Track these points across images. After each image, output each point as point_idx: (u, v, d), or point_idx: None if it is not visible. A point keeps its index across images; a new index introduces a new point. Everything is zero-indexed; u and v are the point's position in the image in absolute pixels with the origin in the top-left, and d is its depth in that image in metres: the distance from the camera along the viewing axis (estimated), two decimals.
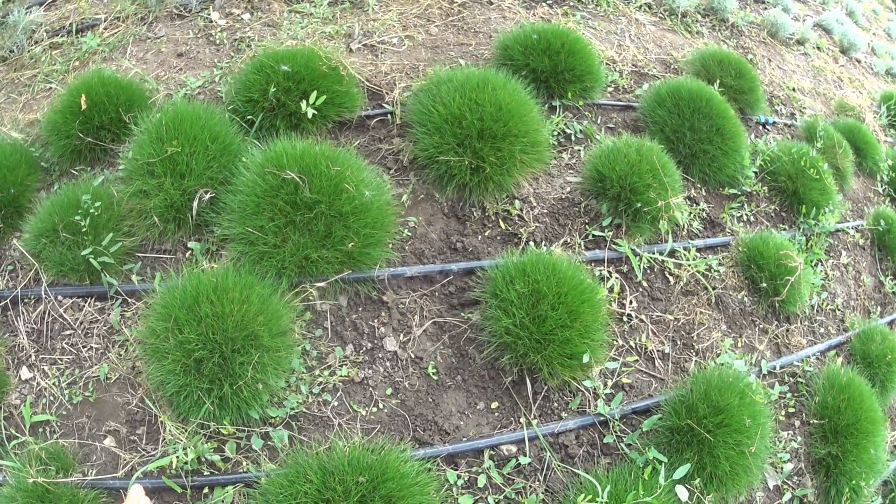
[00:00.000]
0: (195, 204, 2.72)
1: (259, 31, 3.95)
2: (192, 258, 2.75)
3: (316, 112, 3.02)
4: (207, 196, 2.74)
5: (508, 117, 3.00)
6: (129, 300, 2.69)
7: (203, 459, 2.34)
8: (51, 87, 3.79)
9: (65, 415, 2.51)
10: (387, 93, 3.42)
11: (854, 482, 3.02)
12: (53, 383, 2.56)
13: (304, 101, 2.98)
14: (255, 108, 3.10)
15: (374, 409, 2.57)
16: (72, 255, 2.67)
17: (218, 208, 2.73)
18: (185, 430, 2.35)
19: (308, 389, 2.54)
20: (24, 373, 2.62)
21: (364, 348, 2.69)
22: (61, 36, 4.14)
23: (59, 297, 2.72)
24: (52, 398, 2.54)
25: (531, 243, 2.97)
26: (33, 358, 2.64)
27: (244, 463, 2.37)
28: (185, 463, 2.29)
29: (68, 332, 2.67)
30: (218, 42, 3.90)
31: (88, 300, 2.72)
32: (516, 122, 3.02)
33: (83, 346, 2.63)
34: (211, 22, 4.06)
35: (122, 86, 3.25)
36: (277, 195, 2.61)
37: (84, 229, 2.67)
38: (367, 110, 3.33)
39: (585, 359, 2.59)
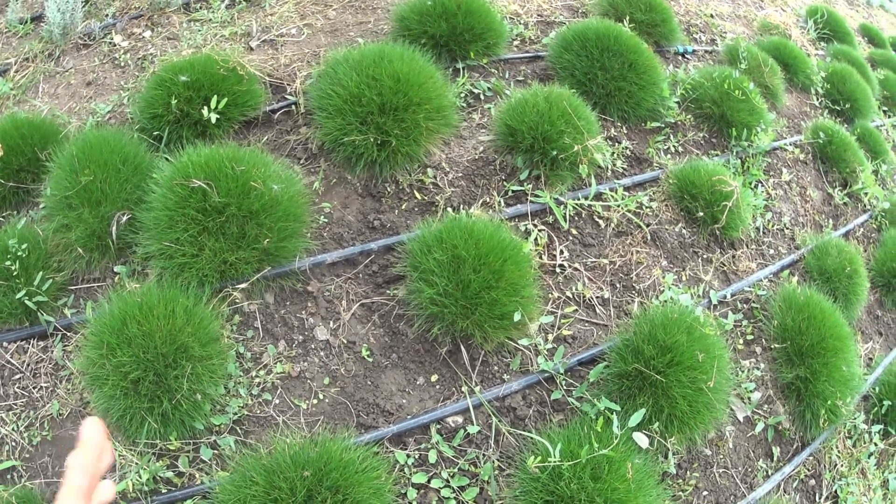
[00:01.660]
0: (114, 228, 2.68)
1: (160, 46, 3.88)
2: (120, 282, 2.70)
3: (220, 116, 2.96)
4: (125, 218, 2.70)
5: (408, 87, 2.89)
6: (68, 334, 2.65)
7: (158, 478, 2.29)
8: None
9: (28, 457, 2.46)
10: (289, 84, 3.32)
11: (829, 402, 2.90)
12: (13, 428, 2.51)
13: (206, 108, 2.92)
14: (161, 123, 3.04)
15: (315, 401, 2.50)
16: (8, 300, 2.63)
17: (136, 228, 2.68)
18: (135, 452, 2.31)
19: (247, 392, 2.48)
20: None
21: (296, 342, 2.61)
22: None
23: (4, 343, 2.68)
24: (14, 443, 2.50)
25: (448, 209, 2.85)
26: None
27: (197, 475, 2.31)
28: (142, 484, 2.26)
29: (18, 376, 2.62)
30: (123, 64, 3.84)
31: (31, 341, 2.68)
32: (416, 90, 2.91)
33: (34, 388, 2.60)
34: (115, 45, 3.99)
35: (34, 125, 3.22)
36: (188, 205, 2.54)
37: (16, 273, 2.64)
38: (272, 105, 3.25)
39: (517, 317, 2.47)
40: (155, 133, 3.05)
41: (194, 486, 2.29)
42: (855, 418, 3.17)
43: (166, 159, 2.84)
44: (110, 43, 4.00)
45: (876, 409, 3.32)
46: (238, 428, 2.41)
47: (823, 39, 5.34)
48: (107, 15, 4.16)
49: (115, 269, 2.74)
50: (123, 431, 2.33)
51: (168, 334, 2.32)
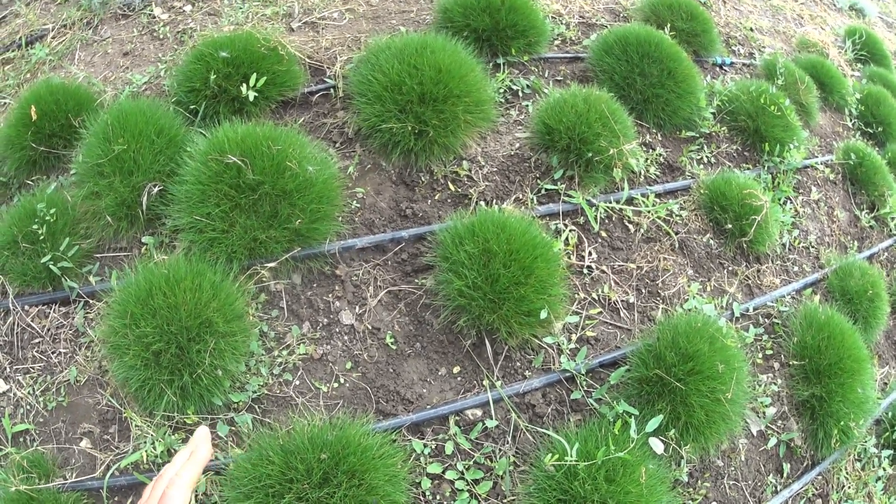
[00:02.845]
0: (144, 199, 2.70)
1: (201, 21, 3.90)
2: (147, 253, 2.72)
3: (258, 94, 2.96)
4: (156, 189, 2.72)
5: (448, 79, 2.91)
6: (91, 301, 2.68)
7: (173, 451, 2.31)
8: (5, 103, 3.77)
9: (42, 422, 2.50)
10: (328, 67, 3.34)
11: (843, 423, 2.91)
12: (28, 392, 2.55)
13: (245, 85, 2.92)
14: (198, 97, 3.06)
15: (336, 385, 2.51)
16: (33, 264, 2.68)
17: (167, 200, 2.69)
18: (152, 424, 2.34)
19: (268, 371, 2.49)
20: (1, 385, 2.61)
21: (321, 324, 2.62)
22: (12, 51, 4.14)
23: (26, 307, 2.72)
24: (28, 407, 2.53)
25: (481, 203, 2.87)
26: (8, 370, 2.64)
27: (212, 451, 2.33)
28: (156, 456, 2.29)
29: (37, 340, 2.66)
30: (161, 37, 3.86)
31: (53, 306, 2.71)
32: (457, 82, 2.92)
33: (52, 353, 2.63)
34: (154, 17, 4.02)
35: (69, 92, 3.25)
36: (221, 180, 2.56)
37: (42, 237, 2.69)
38: (310, 87, 3.26)
39: (543, 314, 2.49)
40: (191, 107, 3.07)
41: (208, 462, 2.31)
42: (866, 441, 3.18)
43: (202, 133, 2.86)
44: (150, 15, 4.03)
45: (887, 433, 3.32)
46: (256, 406, 2.43)
47: (860, 61, 5.31)
48: None
49: (142, 240, 2.76)
50: (141, 402, 2.36)
51: (193, 308, 2.33)
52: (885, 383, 3.54)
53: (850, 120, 4.58)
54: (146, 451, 2.29)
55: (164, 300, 2.32)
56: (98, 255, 2.78)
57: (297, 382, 2.50)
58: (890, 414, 3.34)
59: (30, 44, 4.10)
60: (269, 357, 2.53)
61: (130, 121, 2.83)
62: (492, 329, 2.54)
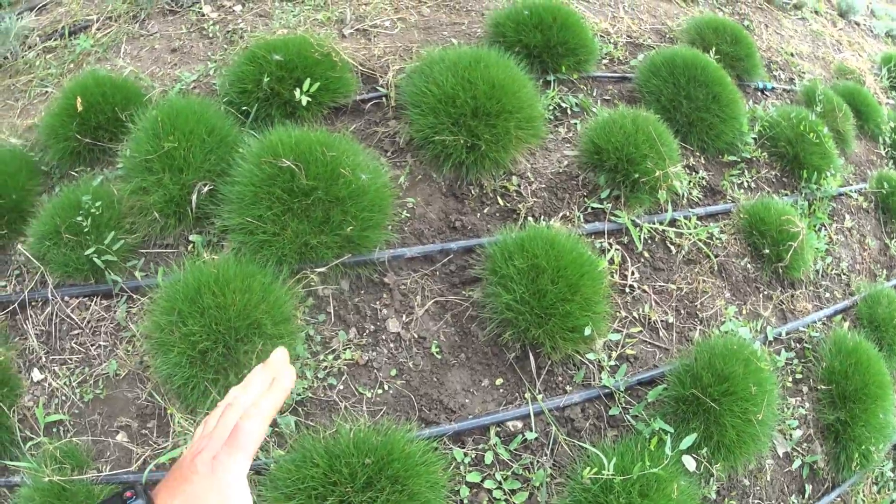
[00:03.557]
0: (194, 197, 2.72)
1: (251, 22, 3.95)
2: (195, 251, 2.75)
3: (310, 99, 3.02)
4: (206, 189, 2.74)
5: (502, 94, 2.98)
6: (134, 296, 2.70)
7: None
8: (47, 91, 3.80)
9: (77, 413, 2.52)
10: (380, 76, 3.41)
11: (864, 447, 3.00)
12: (64, 383, 2.58)
13: (298, 89, 2.98)
14: (250, 99, 3.09)
15: (380, 391, 2.57)
16: (75, 255, 2.68)
17: (217, 200, 2.72)
18: (194, 421, 2.37)
19: (313, 374, 2.54)
20: (36, 374, 2.63)
21: (367, 331, 2.68)
22: (54, 39, 4.15)
23: (66, 298, 2.74)
24: (63, 398, 2.56)
25: (530, 218, 2.96)
26: (44, 359, 2.66)
27: None
28: None
29: (76, 332, 2.68)
30: (211, 35, 3.90)
31: (94, 299, 2.73)
32: (510, 98, 3.00)
33: (91, 345, 2.65)
34: (203, 15, 4.06)
35: (116, 85, 3.25)
36: (274, 184, 2.60)
37: (86, 229, 2.68)
38: (362, 94, 3.33)
39: (587, 331, 2.58)
40: (243, 108, 3.10)
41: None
42: (883, 465, 3.25)
43: (254, 135, 2.89)
44: (198, 12, 4.06)
45: None
46: (300, 409, 2.47)
47: (895, 88, 5.36)
48: None
49: (189, 238, 2.78)
50: (184, 399, 2.38)
51: (243, 309, 2.35)
52: None
53: (884, 149, 4.64)
54: (187, 447, 2.33)
55: (214, 299, 2.34)
56: (143, 251, 2.80)
57: (342, 387, 2.55)
58: None
59: (73, 34, 4.11)
60: (315, 361, 2.56)
61: (181, 118, 2.84)
62: (536, 343, 2.62)
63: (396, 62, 3.48)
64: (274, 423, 2.43)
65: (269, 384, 1.07)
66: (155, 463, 2.35)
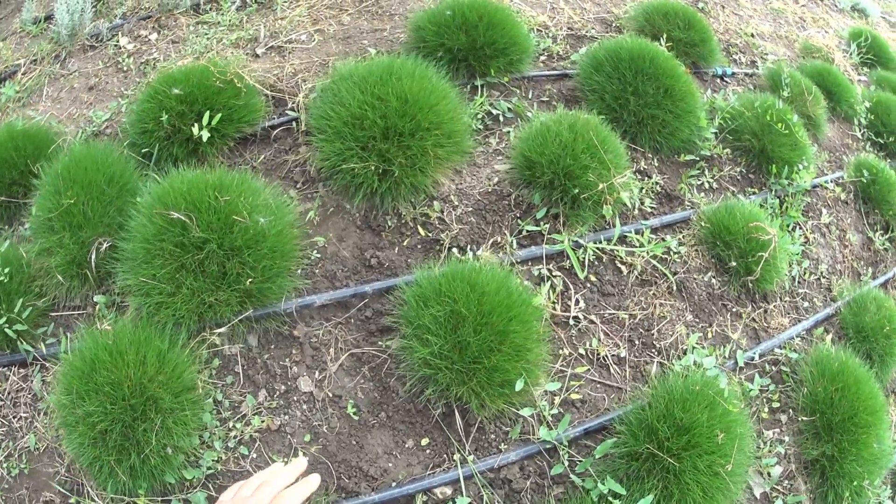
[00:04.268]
0: (93, 256, 2.49)
1: (164, 51, 3.65)
2: (100, 313, 2.51)
3: (214, 133, 2.73)
4: (105, 246, 2.51)
5: (416, 110, 2.62)
6: (47, 364, 2.48)
7: None
8: None
9: (6, 488, 2.34)
10: (291, 98, 3.06)
11: (855, 483, 2.63)
12: None
13: (197, 125, 2.68)
14: (152, 139, 2.81)
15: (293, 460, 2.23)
16: None
17: (117, 257, 2.46)
18: (105, 500, 2.19)
19: (223, 445, 2.26)
20: None
21: (278, 392, 2.37)
22: None
23: None
24: None
25: (454, 249, 2.58)
26: None
27: None
28: None
29: (0, 404, 2.48)
30: (125, 69, 3.63)
31: (13, 369, 2.53)
32: (426, 113, 2.63)
33: (13, 417, 2.46)
34: (120, 48, 3.79)
35: (29, 136, 3.08)
36: (165, 238, 2.31)
37: None
38: (273, 119, 2.98)
39: (519, 386, 2.21)
40: (144, 150, 2.83)
41: None
42: (880, 494, 2.88)
43: (156, 180, 2.62)
44: (116, 45, 3.80)
45: None
46: (211, 483, 2.21)
47: (866, 64, 4.99)
48: (116, 15, 3.97)
49: (95, 299, 2.54)
50: (95, 478, 2.18)
51: (137, 384, 2.13)
52: None
53: (860, 130, 4.27)
54: None
55: (107, 376, 2.13)
56: (54, 314, 2.59)
57: (255, 455, 2.27)
58: None
59: (2, 81, 3.90)
60: (224, 429, 2.29)
61: (81, 169, 2.63)
62: (462, 401, 2.25)
63: (310, 80, 3.12)
64: (186, 502, 2.20)
65: (296, 475, 1.32)
66: None
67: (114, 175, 2.65)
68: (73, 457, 2.23)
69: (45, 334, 2.53)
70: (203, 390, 2.29)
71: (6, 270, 2.53)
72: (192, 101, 2.80)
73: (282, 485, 1.26)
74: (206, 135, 2.68)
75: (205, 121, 2.68)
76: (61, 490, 2.29)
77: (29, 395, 2.46)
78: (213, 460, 2.23)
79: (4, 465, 2.35)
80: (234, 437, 2.28)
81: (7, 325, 2.45)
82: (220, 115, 2.72)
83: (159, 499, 2.16)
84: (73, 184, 2.58)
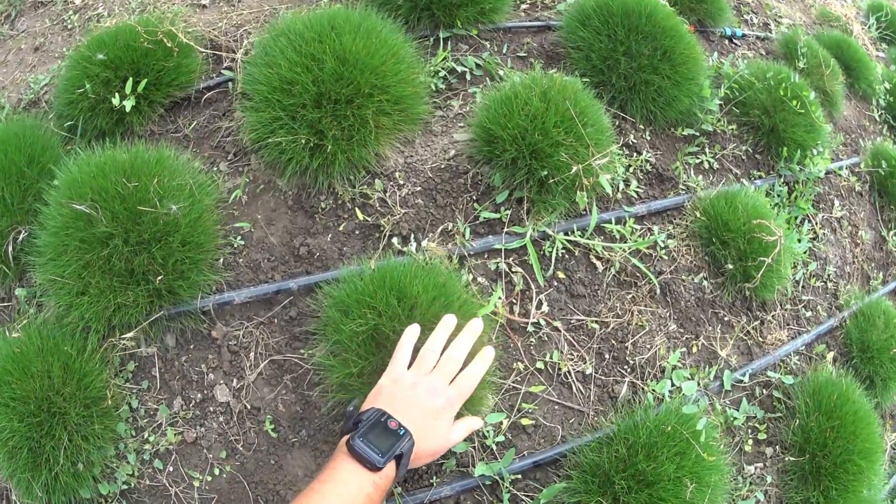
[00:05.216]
0: (10, 248, 2.27)
1: (110, 4, 3.22)
2: (20, 309, 2.27)
3: (142, 100, 2.39)
4: (22, 236, 2.28)
5: (356, 72, 2.16)
6: None
7: None
8: None
9: None
10: (229, 55, 2.61)
11: None
12: None
13: (117, 94, 2.35)
14: (76, 111, 2.47)
15: (209, 477, 1.98)
16: None
17: (33, 248, 2.18)
18: None
19: (137, 458, 2.02)
20: None
21: (194, 401, 2.06)
22: None
23: None
24: None
25: (396, 238, 2.15)
26: None
27: None
28: None
29: None
30: (70, 26, 3.26)
31: None
32: (368, 75, 2.18)
33: None
34: (67, 3, 3.43)
35: None
36: (71, 232, 2.02)
37: None
38: (209, 80, 2.54)
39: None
40: (69, 123, 2.50)
41: None
42: None
43: (82, 156, 2.28)
44: (65, 0, 3.44)
45: None
46: (125, 499, 2.01)
47: (885, 40, 4.50)
48: None
49: (16, 292, 2.30)
50: (17, 490, 2.05)
51: (44, 399, 1.96)
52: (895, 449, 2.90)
53: (878, 112, 3.80)
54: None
55: (11, 391, 1.97)
56: None
57: (171, 469, 2.01)
58: None
59: None
60: (139, 440, 2.03)
61: (1, 149, 2.37)
62: None
63: (254, 32, 2.66)
64: None
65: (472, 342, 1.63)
66: None
67: (34, 154, 2.39)
68: None
69: None
70: (116, 398, 2.06)
71: None
72: (118, 66, 2.44)
73: (462, 357, 1.50)
74: (129, 104, 2.35)
75: (127, 89, 2.36)
76: None
77: None
78: (127, 474, 2.02)
79: None
80: (149, 449, 2.03)
81: None
82: (146, 80, 2.38)
83: None
84: None
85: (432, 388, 1.54)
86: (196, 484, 1.97)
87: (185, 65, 2.54)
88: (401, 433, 1.44)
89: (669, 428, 1.88)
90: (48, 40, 3.28)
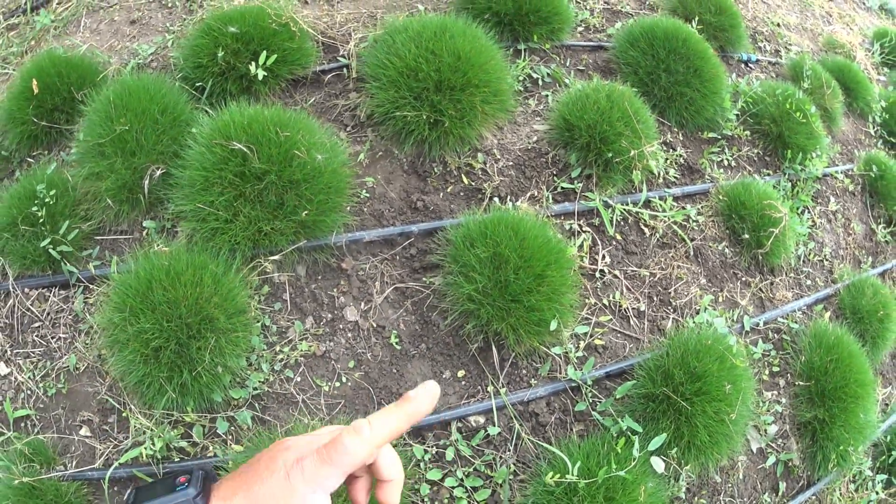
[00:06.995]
0: (146, 182, 2.58)
1: None
2: (149, 238, 2.62)
3: (267, 73, 2.83)
4: (158, 173, 2.59)
5: (467, 67, 2.77)
6: (91, 286, 2.57)
7: (171, 447, 2.25)
8: (8, 73, 3.63)
9: (42, 408, 2.43)
10: (342, 45, 3.19)
11: (842, 448, 2.85)
12: (29, 377, 2.48)
13: (254, 63, 2.78)
14: (205, 74, 2.90)
15: (337, 384, 2.42)
16: (32, 247, 2.57)
17: (171, 184, 2.56)
18: (151, 419, 2.27)
19: (269, 367, 2.40)
20: (2, 368, 2.53)
21: (324, 320, 2.52)
22: (17, 16, 3.94)
23: (26, 290, 2.62)
24: (29, 392, 2.46)
25: (495, 199, 2.76)
26: (9, 353, 2.55)
27: (211, 447, 2.27)
28: (155, 451, 2.22)
29: (37, 325, 2.57)
30: (170, 5, 3.68)
31: (53, 290, 2.61)
32: (476, 71, 2.79)
33: (52, 338, 2.54)
34: None
35: (72, 64, 3.09)
36: (226, 167, 2.42)
37: (41, 220, 2.57)
38: (323, 65, 3.11)
39: (553, 325, 2.41)
40: (197, 84, 2.92)
41: (207, 458, 2.24)
42: (862, 464, 3.12)
43: (207, 113, 2.72)
44: None
45: (883, 457, 3.27)
46: (256, 403, 2.36)
47: (887, 65, 5.17)
48: None
49: (144, 224, 2.66)
50: (140, 396, 2.30)
51: (194, 304, 2.23)
52: (886, 404, 3.48)
53: (874, 128, 4.46)
54: (145, 446, 2.21)
55: (164, 295, 2.22)
56: (99, 238, 2.67)
57: (299, 379, 2.41)
58: (888, 438, 3.29)
59: (35, 9, 3.92)
60: (271, 352, 2.43)
61: (133, 98, 2.69)
62: (499, 336, 2.45)
63: (359, 30, 3.26)
64: (231, 419, 2.31)
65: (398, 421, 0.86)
66: (119, 462, 2.24)
67: (167, 105, 2.72)
68: (117, 376, 2.32)
69: (90, 257, 2.62)
70: (253, 315, 2.42)
71: (52, 193, 2.61)
72: (248, 41, 2.90)
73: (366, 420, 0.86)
74: (261, 73, 2.79)
75: (261, 60, 2.79)
76: (101, 409, 2.39)
77: (69, 316, 2.56)
78: (259, 381, 2.36)
79: (41, 385, 2.45)
80: (281, 360, 2.42)
81: (52, 246, 2.52)
82: (275, 56, 2.83)
83: (206, 416, 2.30)
84: (126, 111, 2.64)
85: (283, 449, 0.85)
86: (325, 390, 2.41)
87: (305, 48, 3.03)
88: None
89: (710, 341, 2.49)
90: (146, 15, 3.65)
